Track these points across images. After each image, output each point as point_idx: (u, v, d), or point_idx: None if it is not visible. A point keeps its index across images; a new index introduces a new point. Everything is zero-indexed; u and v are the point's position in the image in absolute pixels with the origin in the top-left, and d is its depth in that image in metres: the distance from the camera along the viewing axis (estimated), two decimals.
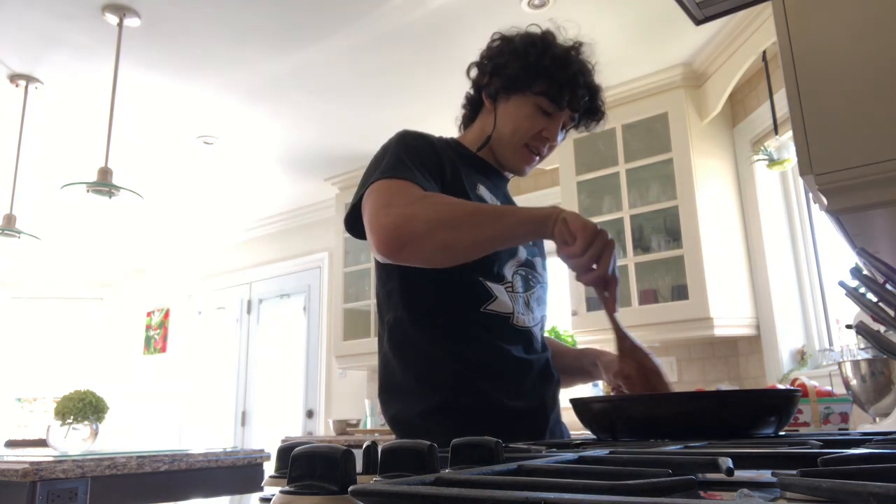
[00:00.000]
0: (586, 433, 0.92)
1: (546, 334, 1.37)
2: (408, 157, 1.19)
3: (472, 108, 1.40)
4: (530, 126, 1.29)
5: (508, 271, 1.26)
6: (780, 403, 0.85)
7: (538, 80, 1.26)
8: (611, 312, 1.10)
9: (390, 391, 1.26)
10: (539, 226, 1.08)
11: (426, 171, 1.19)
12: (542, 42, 1.29)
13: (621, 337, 1.12)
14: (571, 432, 1.37)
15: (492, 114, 1.34)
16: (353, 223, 1.22)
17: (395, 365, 1.25)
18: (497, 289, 1.22)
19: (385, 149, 1.24)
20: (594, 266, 1.05)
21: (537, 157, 1.34)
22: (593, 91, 1.32)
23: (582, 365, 1.41)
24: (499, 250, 1.21)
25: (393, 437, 1.20)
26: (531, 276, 1.31)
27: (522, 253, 1.30)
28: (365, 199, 1.16)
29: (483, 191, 1.28)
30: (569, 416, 1.29)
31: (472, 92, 1.39)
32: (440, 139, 1.33)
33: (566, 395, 1.30)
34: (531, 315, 1.27)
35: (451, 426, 1.12)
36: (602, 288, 1.07)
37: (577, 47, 1.30)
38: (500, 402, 1.18)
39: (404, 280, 1.23)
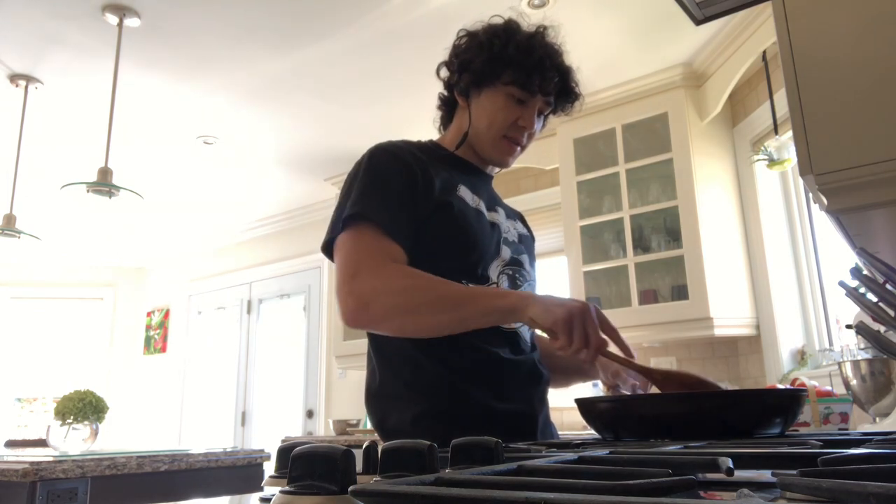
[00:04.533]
0: (580, 433, 0.93)
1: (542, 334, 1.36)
2: (376, 186, 1.19)
3: (447, 107, 1.40)
4: (505, 117, 1.28)
5: (493, 272, 1.24)
6: (786, 403, 0.85)
7: (505, 69, 1.26)
8: (629, 363, 1.08)
9: (377, 398, 1.25)
10: (506, 316, 1.09)
11: (395, 197, 1.18)
12: (504, 32, 1.28)
13: (648, 372, 1.09)
14: (566, 432, 1.37)
15: (466, 111, 1.33)
16: (332, 253, 1.23)
17: (381, 372, 1.25)
18: None
19: (354, 175, 1.24)
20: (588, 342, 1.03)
21: (518, 148, 1.33)
22: (563, 73, 1.30)
23: (578, 364, 1.40)
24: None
25: None
26: (518, 274, 1.30)
27: (507, 252, 1.28)
28: (336, 250, 1.18)
29: (464, 191, 1.26)
30: (570, 416, 1.29)
31: (444, 92, 1.38)
32: (416, 144, 1.32)
33: (567, 395, 1.30)
34: None
35: (439, 431, 1.11)
36: (607, 354, 1.05)
37: (540, 32, 1.29)
38: (487, 405, 1.17)
39: None
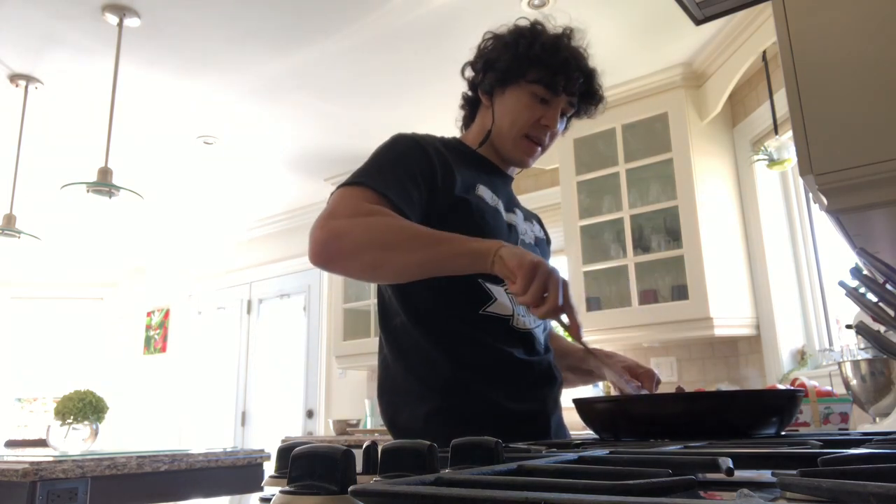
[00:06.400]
0: (580, 433, 0.93)
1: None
2: (390, 163, 1.18)
3: (471, 107, 1.40)
4: (528, 116, 1.28)
5: None
6: (783, 404, 0.85)
7: (531, 68, 1.26)
8: (577, 339, 1.08)
9: (390, 395, 1.25)
10: (475, 260, 1.06)
11: (408, 178, 1.17)
12: (530, 32, 1.29)
13: (594, 355, 1.11)
14: (571, 432, 1.37)
15: (489, 109, 1.34)
16: None
17: (394, 368, 1.24)
18: (496, 290, 1.21)
19: (375, 152, 1.23)
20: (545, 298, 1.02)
21: (539, 148, 1.33)
22: (588, 74, 1.31)
23: (588, 366, 1.40)
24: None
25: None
26: None
27: None
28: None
29: (483, 190, 1.27)
30: (568, 416, 1.29)
31: (468, 91, 1.39)
32: (441, 140, 1.32)
33: (566, 395, 1.29)
34: (532, 316, 1.27)
35: (451, 430, 1.12)
36: (558, 318, 1.05)
37: (567, 33, 1.30)
38: (500, 405, 1.17)
39: (403, 284, 1.23)
